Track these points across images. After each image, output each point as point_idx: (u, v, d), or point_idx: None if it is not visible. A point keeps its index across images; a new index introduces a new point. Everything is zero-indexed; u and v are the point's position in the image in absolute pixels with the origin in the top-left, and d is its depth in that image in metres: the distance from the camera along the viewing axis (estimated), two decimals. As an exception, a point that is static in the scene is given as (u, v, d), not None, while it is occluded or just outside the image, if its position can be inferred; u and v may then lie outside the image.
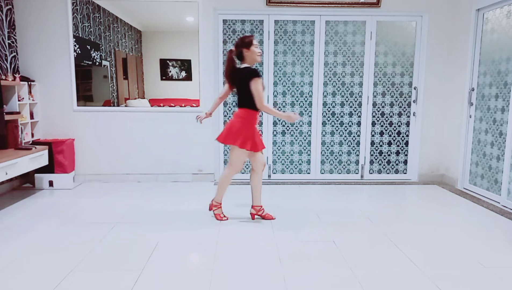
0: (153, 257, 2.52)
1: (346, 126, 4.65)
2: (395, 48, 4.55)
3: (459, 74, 4.37)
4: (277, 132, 4.64)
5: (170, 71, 4.52)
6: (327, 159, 4.70)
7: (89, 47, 4.36)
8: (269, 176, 4.70)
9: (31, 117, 4.31)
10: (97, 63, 4.42)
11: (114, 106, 4.49)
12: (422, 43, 4.52)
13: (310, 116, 4.62)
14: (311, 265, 2.42)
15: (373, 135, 4.68)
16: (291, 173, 4.71)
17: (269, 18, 4.46)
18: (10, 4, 4.20)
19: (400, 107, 4.66)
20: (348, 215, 3.41)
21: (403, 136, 4.71)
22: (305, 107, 4.61)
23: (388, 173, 4.75)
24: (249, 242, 2.79)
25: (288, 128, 4.64)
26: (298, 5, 4.37)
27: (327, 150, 4.68)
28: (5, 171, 3.32)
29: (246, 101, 3.02)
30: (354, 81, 4.57)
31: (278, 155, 4.68)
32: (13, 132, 3.87)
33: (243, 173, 4.64)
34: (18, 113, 3.92)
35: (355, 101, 4.61)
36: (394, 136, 4.70)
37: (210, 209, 3.36)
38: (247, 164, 4.57)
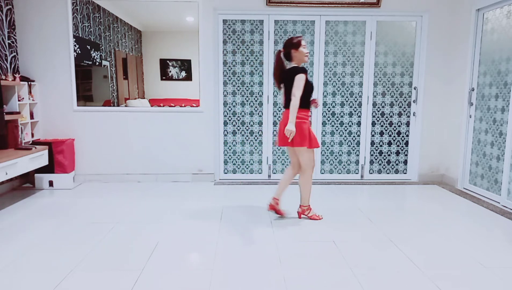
0: (153, 257, 2.52)
1: (346, 126, 4.65)
2: (395, 48, 4.55)
3: (459, 74, 4.37)
4: (277, 132, 4.64)
5: (170, 71, 4.52)
6: (327, 159, 4.70)
7: (89, 47, 4.36)
8: (269, 176, 4.70)
9: (31, 117, 4.31)
10: (97, 63, 4.42)
11: (114, 106, 4.49)
12: (422, 43, 4.52)
13: (310, 116, 4.61)
14: (311, 265, 2.42)
15: (373, 135, 4.68)
16: (291, 173, 4.71)
17: (269, 18, 4.46)
18: (10, 4, 4.20)
19: (400, 107, 4.66)
20: (348, 215, 3.41)
21: (403, 136, 4.71)
22: (305, 107, 4.60)
23: (388, 173, 4.75)
24: (249, 242, 2.79)
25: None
26: (298, 5, 4.37)
27: (327, 150, 4.68)
28: (5, 171, 3.32)
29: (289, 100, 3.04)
30: (354, 81, 4.57)
31: (278, 155, 4.68)
32: (13, 132, 3.87)
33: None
34: (18, 113, 3.92)
35: (355, 101, 4.61)
36: (394, 136, 4.70)
37: (299, 217, 3.31)
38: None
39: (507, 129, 3.64)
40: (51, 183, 4.22)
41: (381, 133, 4.68)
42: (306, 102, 3.07)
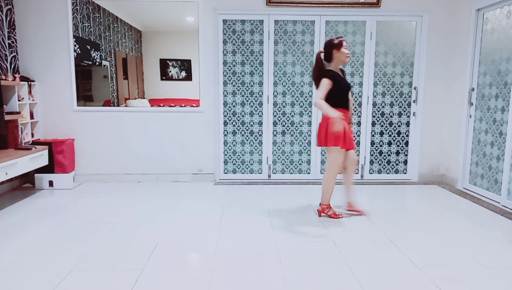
0: (153, 257, 2.52)
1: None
2: (395, 48, 4.55)
3: (459, 74, 4.37)
4: (277, 132, 4.64)
5: (170, 71, 4.52)
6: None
7: (89, 47, 4.36)
8: (269, 176, 4.70)
9: (31, 117, 4.31)
10: (97, 63, 4.42)
11: (114, 106, 4.49)
12: (422, 43, 4.52)
13: (310, 116, 4.62)
14: (311, 265, 2.42)
15: (373, 135, 4.68)
16: (291, 173, 4.71)
17: (269, 18, 4.46)
18: (10, 4, 4.20)
19: (400, 107, 4.66)
20: (348, 215, 3.41)
21: (403, 136, 4.71)
22: (305, 107, 4.61)
23: (388, 173, 4.75)
24: (249, 242, 2.79)
25: (288, 128, 4.64)
26: (298, 5, 4.37)
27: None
28: (5, 171, 3.32)
29: (329, 101, 3.08)
30: (354, 81, 4.57)
31: (278, 155, 4.68)
32: (13, 132, 3.87)
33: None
34: (18, 113, 3.92)
35: (355, 101, 4.61)
36: (394, 136, 4.70)
37: (319, 215, 3.36)
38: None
39: (507, 129, 3.64)
40: (51, 183, 4.22)
41: (381, 133, 4.68)
42: (341, 101, 3.14)
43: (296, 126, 4.64)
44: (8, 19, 4.15)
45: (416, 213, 3.51)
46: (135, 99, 4.55)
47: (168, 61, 4.51)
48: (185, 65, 4.51)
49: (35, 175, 4.21)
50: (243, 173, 4.69)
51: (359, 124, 4.65)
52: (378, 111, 4.64)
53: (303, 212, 3.49)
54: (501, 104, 3.74)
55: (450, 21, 4.47)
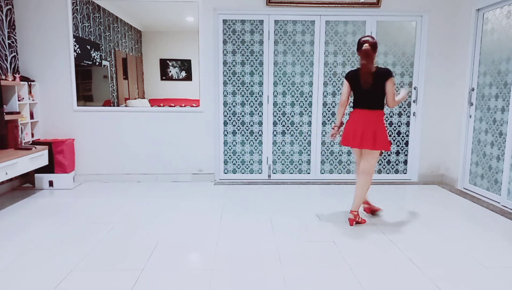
0: (153, 257, 2.52)
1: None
2: (395, 48, 4.55)
3: (459, 74, 4.37)
4: (277, 132, 4.64)
5: (170, 71, 4.52)
6: (327, 159, 4.70)
7: (89, 47, 4.36)
8: (269, 176, 4.70)
9: (31, 117, 4.31)
10: (97, 63, 4.42)
11: (114, 106, 4.49)
12: (422, 43, 4.52)
13: (310, 116, 4.62)
14: (311, 265, 2.43)
15: (373, 135, 4.67)
16: (291, 173, 4.71)
17: (269, 18, 4.46)
18: (10, 4, 4.20)
19: (400, 107, 4.65)
20: (348, 215, 3.40)
21: (403, 136, 4.71)
22: (305, 107, 4.61)
23: (388, 173, 4.75)
24: (249, 242, 2.79)
25: (288, 128, 4.64)
26: (298, 5, 4.37)
27: (327, 150, 4.68)
28: (5, 171, 3.32)
29: (380, 102, 3.06)
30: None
31: (278, 155, 4.68)
32: (13, 132, 3.87)
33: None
34: (18, 113, 3.92)
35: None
36: (394, 136, 4.70)
37: (351, 224, 3.13)
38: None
39: (507, 129, 3.64)
40: (51, 183, 4.22)
41: (381, 133, 4.67)
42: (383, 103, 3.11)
43: (296, 126, 4.64)
44: (8, 19, 4.15)
45: (416, 213, 3.51)
46: (135, 99, 4.55)
47: (168, 61, 4.51)
48: (185, 65, 4.51)
49: (35, 175, 4.21)
50: (243, 173, 4.69)
51: (359, 124, 4.65)
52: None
53: (303, 212, 3.49)
54: (501, 104, 3.74)
55: (450, 21, 4.47)
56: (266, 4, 4.35)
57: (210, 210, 3.53)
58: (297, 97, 4.59)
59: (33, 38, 4.31)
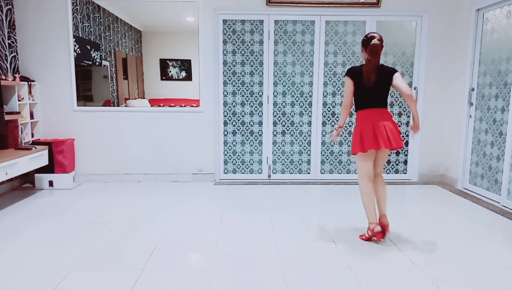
0: (153, 257, 2.52)
1: (346, 126, 4.65)
2: (395, 48, 4.55)
3: (459, 74, 4.37)
4: (277, 132, 4.64)
5: (170, 71, 4.52)
6: (327, 159, 4.70)
7: (89, 47, 4.36)
8: (269, 176, 4.70)
9: (31, 117, 4.31)
10: (97, 63, 4.42)
11: (114, 106, 4.49)
12: (422, 43, 4.52)
13: (310, 116, 4.62)
14: (311, 265, 2.43)
15: (373, 135, 4.67)
16: (291, 173, 4.71)
17: (269, 18, 4.46)
18: (10, 4, 4.20)
19: (400, 107, 4.65)
20: (348, 215, 3.41)
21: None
22: (305, 107, 4.61)
23: (388, 173, 4.75)
24: (249, 242, 2.79)
25: (288, 128, 4.64)
26: (298, 5, 4.37)
27: (327, 150, 4.68)
28: (5, 171, 3.32)
29: (386, 100, 2.86)
30: (354, 81, 4.57)
31: (278, 155, 4.68)
32: (13, 132, 3.87)
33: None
34: (18, 113, 3.92)
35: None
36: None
37: (387, 234, 2.87)
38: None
39: (507, 129, 3.64)
40: (51, 183, 4.22)
41: (381, 133, 4.67)
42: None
43: (296, 126, 4.64)
44: (8, 19, 4.14)
45: (416, 213, 3.51)
46: (135, 99, 4.55)
47: (168, 61, 4.51)
48: (185, 65, 4.51)
49: (35, 175, 4.21)
50: (243, 173, 4.69)
51: (359, 124, 4.64)
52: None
53: (303, 212, 3.49)
54: (501, 104, 3.74)
55: (450, 21, 4.47)
56: (266, 4, 4.35)
57: (210, 210, 3.53)
58: (297, 97, 4.59)
59: (33, 38, 4.31)
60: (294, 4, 4.37)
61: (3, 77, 3.91)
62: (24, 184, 4.39)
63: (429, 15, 4.46)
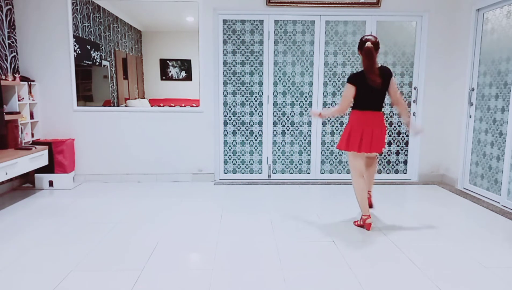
0: (153, 257, 2.52)
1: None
2: (395, 48, 4.55)
3: (459, 74, 4.37)
4: (277, 132, 4.64)
5: (170, 71, 4.52)
6: (327, 159, 4.70)
7: (89, 47, 4.36)
8: (269, 176, 4.70)
9: (31, 117, 4.31)
10: (97, 63, 4.42)
11: (114, 106, 4.49)
12: (422, 43, 4.52)
13: (310, 116, 4.62)
14: (311, 265, 2.43)
15: (373, 135, 4.67)
16: (291, 173, 4.71)
17: (269, 18, 4.46)
18: (10, 4, 4.20)
19: (400, 107, 4.65)
20: (348, 215, 3.41)
21: (403, 136, 4.71)
22: (305, 107, 4.61)
23: (388, 173, 4.75)
24: (249, 242, 2.79)
25: (288, 128, 4.64)
26: (298, 5, 4.37)
27: (327, 150, 4.68)
28: (5, 171, 3.32)
29: (383, 102, 3.01)
30: (354, 81, 4.57)
31: (278, 155, 4.68)
32: (13, 132, 3.87)
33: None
34: (18, 113, 3.92)
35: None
36: (394, 136, 4.70)
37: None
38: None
39: (507, 129, 3.64)
40: (51, 183, 4.22)
41: (381, 133, 4.67)
42: None
43: (296, 126, 4.64)
44: (8, 19, 4.14)
45: (416, 213, 3.51)
46: (135, 99, 4.55)
47: (168, 61, 4.51)
48: (185, 65, 4.51)
49: (35, 175, 4.21)
50: (243, 173, 4.69)
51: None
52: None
53: (303, 212, 3.49)
54: (501, 104, 3.74)
55: (450, 21, 4.47)
56: (266, 4, 4.35)
57: (210, 210, 3.53)
58: (297, 97, 4.59)
59: (33, 38, 4.31)
60: (294, 4, 4.37)
61: (3, 77, 3.91)
62: (24, 184, 4.39)
63: (429, 15, 4.45)
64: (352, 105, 3.04)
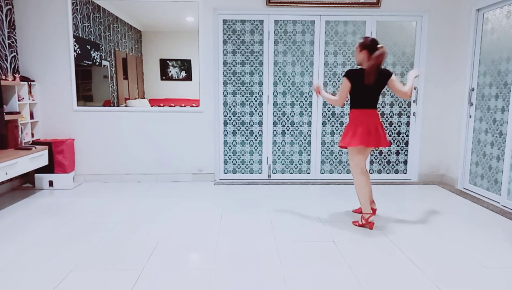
0: (153, 257, 2.52)
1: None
2: (395, 48, 4.55)
3: (459, 74, 4.37)
4: (277, 132, 4.64)
5: (170, 71, 4.52)
6: (327, 159, 4.70)
7: (89, 47, 4.36)
8: (269, 176, 4.70)
9: (31, 117, 4.31)
10: (97, 63, 4.42)
11: (114, 106, 4.49)
12: (422, 43, 4.52)
13: (310, 116, 4.62)
14: (311, 265, 2.43)
15: (373, 135, 4.67)
16: (291, 173, 4.71)
17: (269, 18, 4.46)
18: (10, 4, 4.20)
19: (400, 107, 4.66)
20: (348, 215, 3.41)
21: (403, 136, 4.71)
22: (305, 107, 4.61)
23: (388, 173, 4.75)
24: (249, 242, 2.79)
25: (288, 128, 4.64)
26: (298, 5, 4.37)
27: (327, 150, 4.68)
28: (5, 171, 3.32)
29: (377, 101, 3.16)
30: (354, 81, 4.57)
31: (278, 155, 4.68)
32: (13, 132, 3.87)
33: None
34: (18, 113, 3.92)
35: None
36: (394, 136, 4.70)
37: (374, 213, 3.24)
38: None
39: (507, 129, 3.64)
40: (51, 183, 4.22)
41: (381, 133, 4.67)
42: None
43: (296, 126, 4.64)
44: (8, 19, 4.15)
45: (416, 213, 3.50)
46: (135, 99, 4.55)
47: (168, 61, 4.51)
48: (185, 65, 4.51)
49: (35, 175, 4.21)
50: (243, 173, 4.69)
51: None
52: (378, 111, 4.63)
53: (303, 212, 3.49)
54: (501, 104, 3.74)
55: (450, 21, 4.47)
56: (266, 4, 4.35)
57: (210, 210, 3.53)
58: (297, 97, 4.59)
59: (33, 38, 4.31)
60: (294, 4, 4.37)
61: (3, 77, 3.91)
62: (24, 184, 4.39)
63: (429, 15, 4.46)
64: (350, 104, 3.15)
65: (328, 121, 4.64)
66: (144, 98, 4.54)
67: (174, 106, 4.53)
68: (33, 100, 4.30)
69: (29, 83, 4.24)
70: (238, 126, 4.61)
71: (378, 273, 2.33)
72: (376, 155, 4.71)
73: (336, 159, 4.70)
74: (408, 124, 4.68)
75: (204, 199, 3.88)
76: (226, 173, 4.69)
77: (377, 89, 3.08)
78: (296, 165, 4.70)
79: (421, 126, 4.63)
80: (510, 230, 3.09)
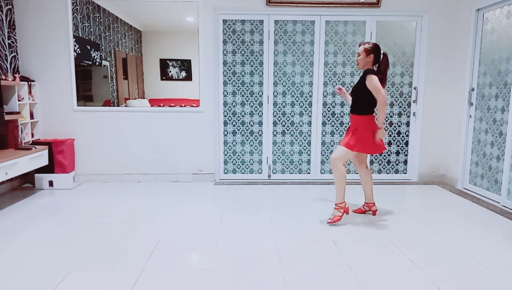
0: (153, 257, 2.52)
1: (346, 126, 4.65)
2: (395, 48, 4.55)
3: (459, 74, 4.37)
4: (277, 132, 4.64)
5: (170, 71, 4.52)
6: (327, 159, 4.70)
7: (89, 47, 4.36)
8: (269, 176, 4.70)
9: (31, 117, 4.31)
10: (97, 63, 4.42)
11: (114, 106, 4.49)
12: (422, 43, 4.52)
13: (310, 116, 4.62)
14: (311, 265, 2.43)
15: (373, 135, 4.67)
16: (291, 173, 4.71)
17: (269, 18, 4.46)
18: (10, 4, 4.20)
19: (400, 107, 4.66)
20: (348, 215, 3.41)
21: (403, 136, 4.71)
22: (305, 107, 4.61)
23: (388, 173, 4.75)
24: (249, 242, 2.79)
25: (288, 128, 4.64)
26: (298, 5, 4.37)
27: (327, 150, 4.68)
28: (5, 171, 3.32)
29: (361, 105, 3.21)
30: (354, 81, 4.57)
31: (278, 155, 4.68)
32: (13, 132, 3.87)
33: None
34: (18, 113, 3.92)
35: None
36: (394, 136, 4.70)
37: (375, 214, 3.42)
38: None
39: (507, 129, 3.64)
40: (51, 183, 4.22)
41: (381, 133, 4.67)
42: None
43: (296, 126, 4.64)
44: (8, 19, 4.14)
45: (416, 213, 3.50)
46: (135, 99, 4.55)
47: (168, 61, 4.51)
48: (185, 65, 4.51)
49: (35, 175, 4.21)
50: (243, 173, 4.69)
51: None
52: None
53: (303, 212, 3.49)
54: (501, 104, 3.74)
55: (450, 21, 4.47)
56: (266, 4, 4.35)
57: (210, 210, 3.53)
58: (297, 97, 4.59)
59: (33, 38, 4.31)
60: (294, 4, 4.37)
61: (3, 77, 3.91)
62: (24, 184, 4.39)
63: (429, 15, 4.46)
64: (364, 109, 3.16)
65: (328, 121, 4.64)
66: (144, 98, 4.54)
67: (174, 106, 4.53)
68: (33, 100, 4.30)
69: (29, 83, 4.24)
70: (238, 126, 4.62)
71: (378, 273, 2.33)
72: (376, 155, 4.71)
73: (336, 159, 4.70)
74: (408, 124, 4.68)
75: (204, 199, 3.88)
76: (226, 173, 4.69)
77: (356, 93, 3.23)
78: (296, 165, 4.70)
79: (421, 126, 4.63)
80: (510, 230, 3.09)
